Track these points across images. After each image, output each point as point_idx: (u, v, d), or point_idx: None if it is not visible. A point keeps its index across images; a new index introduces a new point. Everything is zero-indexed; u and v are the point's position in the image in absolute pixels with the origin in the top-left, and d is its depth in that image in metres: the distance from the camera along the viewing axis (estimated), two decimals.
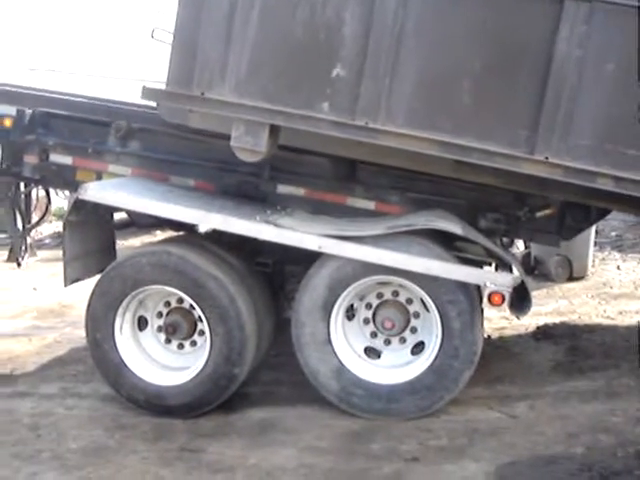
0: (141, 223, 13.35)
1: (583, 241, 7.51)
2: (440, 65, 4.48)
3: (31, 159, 5.83)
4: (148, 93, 4.88)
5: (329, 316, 4.81)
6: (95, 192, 4.96)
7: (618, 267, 8.48)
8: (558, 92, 4.27)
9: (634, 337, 5.94)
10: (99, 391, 5.66)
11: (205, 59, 4.64)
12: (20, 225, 7.21)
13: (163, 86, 4.85)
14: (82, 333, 7.03)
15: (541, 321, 6.42)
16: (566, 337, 6.02)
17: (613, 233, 9.81)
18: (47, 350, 6.83)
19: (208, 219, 4.86)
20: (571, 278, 7.72)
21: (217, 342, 4.88)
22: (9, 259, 7.36)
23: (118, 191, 5.03)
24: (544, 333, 6.14)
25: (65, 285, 5.39)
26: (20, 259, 6.79)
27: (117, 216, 12.98)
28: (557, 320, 6.30)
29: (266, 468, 4.28)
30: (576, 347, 5.81)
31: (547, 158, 4.34)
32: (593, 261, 8.34)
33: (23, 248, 6.86)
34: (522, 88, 4.38)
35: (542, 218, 5.19)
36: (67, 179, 5.86)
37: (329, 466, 4.25)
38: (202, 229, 5.32)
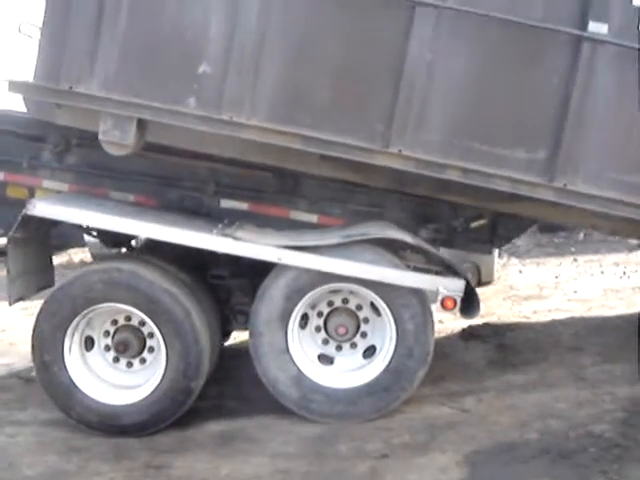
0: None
1: (488, 255, 8.00)
2: (301, 64, 4.78)
3: None
4: (15, 86, 4.90)
5: (287, 325, 4.98)
6: (44, 207, 4.91)
7: (520, 271, 9.09)
8: (410, 91, 4.67)
9: (554, 332, 6.45)
10: (38, 417, 5.56)
11: (74, 53, 4.73)
12: None
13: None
14: None
15: (463, 324, 6.80)
16: (492, 336, 6.43)
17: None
18: None
19: (164, 233, 4.90)
20: (479, 283, 8.19)
21: (173, 357, 4.93)
22: None
23: (69, 206, 5.00)
24: (471, 334, 6.53)
25: (10, 304, 5.27)
26: None
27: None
28: (479, 322, 6.69)
29: (240, 477, 4.38)
30: (504, 345, 6.24)
31: (400, 151, 4.73)
32: None
33: None
34: (378, 87, 4.76)
35: (476, 228, 5.57)
36: None
37: (304, 470, 4.40)
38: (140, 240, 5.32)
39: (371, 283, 4.92)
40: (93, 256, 11.23)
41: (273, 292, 4.95)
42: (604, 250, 9.84)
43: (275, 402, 5.15)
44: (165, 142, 5.18)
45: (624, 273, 8.63)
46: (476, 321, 6.72)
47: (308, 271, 4.90)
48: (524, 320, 7.07)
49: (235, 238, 4.89)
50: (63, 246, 13.10)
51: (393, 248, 5.14)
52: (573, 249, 10.21)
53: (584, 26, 4.60)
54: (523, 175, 4.79)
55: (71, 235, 13.27)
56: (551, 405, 4.98)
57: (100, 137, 4.85)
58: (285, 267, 4.92)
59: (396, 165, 4.80)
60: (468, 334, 6.55)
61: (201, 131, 4.84)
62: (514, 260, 9.68)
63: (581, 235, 10.82)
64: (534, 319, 7.08)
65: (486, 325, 6.69)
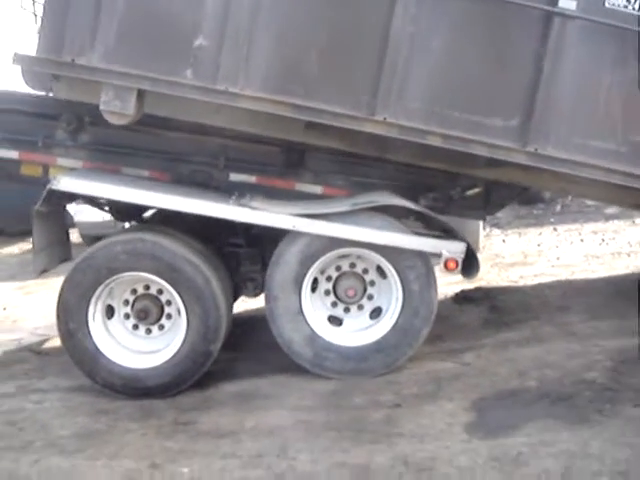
0: (11, 231, 13.23)
1: (476, 225, 8.46)
2: (292, 36, 5.17)
3: None
4: (19, 59, 5.21)
5: (300, 289, 5.40)
6: (69, 182, 5.25)
7: (503, 241, 9.61)
8: (394, 62, 5.10)
9: (541, 294, 6.96)
10: (59, 385, 5.94)
11: (75, 27, 5.07)
12: None
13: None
14: (6, 337, 7.29)
15: (455, 289, 7.28)
16: (484, 299, 6.92)
17: None
18: None
19: (185, 204, 5.27)
20: None
21: (194, 322, 5.32)
22: None
23: (92, 181, 5.34)
24: (464, 298, 7.02)
25: (35, 275, 5.60)
26: None
27: None
28: (471, 286, 7.18)
29: (266, 428, 4.79)
30: (496, 306, 6.72)
31: (385, 119, 5.16)
32: None
33: None
34: (364, 58, 5.17)
35: (471, 196, 6.02)
36: (11, 173, 6.03)
37: (323, 419, 4.83)
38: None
39: (379, 247, 5.36)
40: (82, 237, 11.54)
41: (287, 257, 5.36)
42: (582, 220, 10.40)
43: (285, 363, 5.58)
44: (162, 113, 5.52)
45: (602, 240, 9.18)
46: (468, 286, 7.23)
47: (320, 237, 5.32)
48: (512, 284, 7.58)
49: (252, 207, 5.29)
50: (21, 233, 13.40)
51: (397, 215, 5.57)
52: (552, 219, 10.76)
53: (555, 2, 5.07)
54: (499, 140, 5.25)
55: None
56: (545, 357, 5.46)
57: (101, 107, 5.18)
58: (298, 234, 5.34)
59: (381, 132, 5.23)
60: (461, 298, 7.02)
61: (195, 102, 5.22)
62: (496, 231, 10.19)
63: (558, 207, 11.38)
64: (521, 283, 7.60)
65: (478, 289, 7.17)
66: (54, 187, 5.25)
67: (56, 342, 7.03)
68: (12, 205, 12.77)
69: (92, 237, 10.33)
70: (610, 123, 5.27)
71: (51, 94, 5.81)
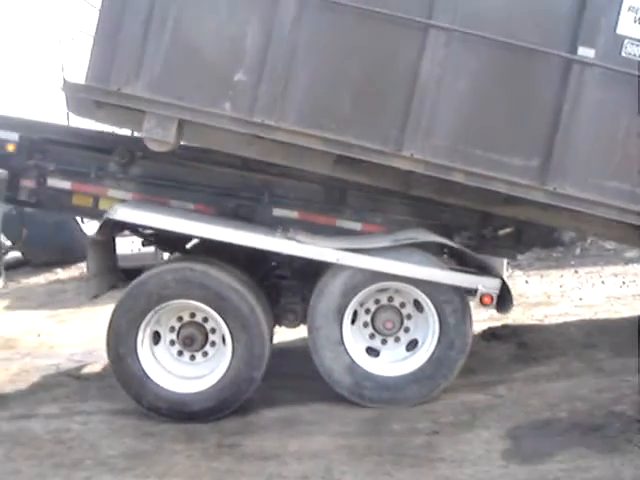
0: (37, 262, 13.63)
1: (500, 261, 8.77)
2: (326, 74, 5.59)
3: (28, 183, 6.26)
4: (68, 86, 5.65)
5: (342, 320, 5.71)
6: (125, 212, 5.61)
7: (526, 281, 9.92)
8: (422, 101, 5.50)
9: (567, 332, 7.25)
10: (102, 407, 6.22)
11: (122, 58, 5.48)
12: None
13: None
14: (44, 362, 7.59)
15: (482, 326, 7.57)
16: (511, 336, 7.20)
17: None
18: (19, 378, 7.20)
19: (236, 237, 5.61)
20: None
21: (239, 349, 5.62)
22: None
23: (147, 211, 5.69)
24: (491, 335, 7.29)
25: (88, 299, 5.92)
26: None
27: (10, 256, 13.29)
28: (498, 324, 7.48)
29: (309, 452, 5.06)
30: (523, 343, 7.00)
31: (412, 155, 5.53)
32: None
33: None
34: (393, 97, 5.57)
35: (503, 236, 6.35)
36: (63, 203, 6.37)
37: (365, 444, 5.11)
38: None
39: (417, 282, 5.68)
40: None
41: (331, 289, 5.68)
42: (602, 263, 10.71)
43: (323, 392, 5.86)
44: (199, 144, 5.94)
45: (623, 282, 9.48)
46: (494, 323, 7.52)
47: (361, 271, 5.64)
48: (538, 322, 7.87)
49: (298, 241, 5.62)
50: (77, 260, 13.79)
51: (434, 251, 5.89)
52: (572, 262, 11.07)
53: (574, 50, 5.47)
54: (519, 179, 5.61)
55: (83, 250, 14.00)
56: (574, 391, 5.74)
57: (143, 135, 5.58)
58: (341, 267, 5.66)
59: (408, 167, 5.59)
60: (489, 334, 7.30)
61: (230, 134, 5.60)
62: (518, 272, 10.51)
63: (578, 250, 11.68)
64: (547, 322, 7.89)
65: (505, 326, 7.45)
66: (111, 216, 5.59)
67: (94, 368, 7.40)
68: (38, 237, 13.22)
69: (126, 269, 10.64)
70: (626, 165, 5.63)
71: (94, 121, 6.16)
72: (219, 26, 5.52)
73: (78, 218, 13.51)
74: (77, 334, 9.01)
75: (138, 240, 7.10)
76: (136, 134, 6.37)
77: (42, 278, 13.35)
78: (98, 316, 9.72)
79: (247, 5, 5.47)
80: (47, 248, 12.80)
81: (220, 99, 5.53)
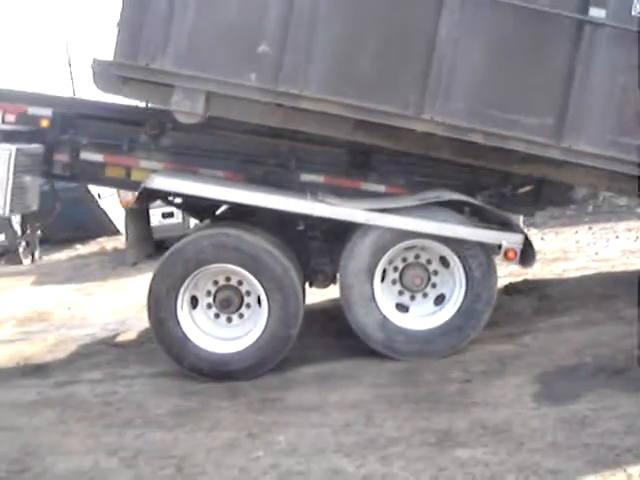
0: (56, 239, 13.95)
1: (516, 219, 9.07)
2: (346, 42, 5.81)
3: (62, 157, 6.57)
4: (97, 63, 5.89)
5: (372, 278, 6.00)
6: (162, 181, 5.89)
7: (542, 239, 10.21)
8: (440, 65, 5.74)
9: (586, 285, 7.55)
10: (143, 372, 6.54)
11: (149, 34, 5.72)
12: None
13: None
14: (79, 332, 7.92)
15: (503, 282, 7.86)
16: (532, 290, 7.49)
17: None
18: (57, 349, 7.52)
19: (268, 200, 5.89)
20: None
21: (275, 308, 5.91)
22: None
23: (183, 180, 5.97)
24: (513, 289, 7.59)
25: (130, 265, 6.20)
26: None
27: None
28: (519, 279, 7.78)
29: (349, 402, 5.37)
30: (545, 295, 7.29)
31: (432, 117, 5.79)
32: None
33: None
34: (412, 62, 5.81)
35: (523, 194, 6.62)
36: (96, 175, 6.69)
37: (402, 393, 5.43)
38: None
39: (443, 239, 5.96)
40: None
41: (361, 249, 5.96)
42: (615, 219, 10.98)
43: (354, 349, 6.18)
44: (224, 114, 6.12)
45: (637, 237, 9.76)
46: (515, 279, 7.82)
47: (390, 230, 5.93)
48: (557, 277, 8.16)
49: (329, 203, 5.90)
50: (95, 235, 14.13)
51: (457, 210, 6.16)
52: (586, 219, 11.35)
53: (585, 11, 5.70)
54: (535, 137, 5.87)
55: (101, 225, 14.37)
56: (597, 338, 6.04)
57: (172, 107, 5.83)
58: (370, 228, 5.94)
59: (428, 129, 5.85)
60: (511, 289, 7.60)
61: (252, 104, 5.86)
62: (534, 230, 10.78)
63: (590, 207, 11.95)
64: (565, 275, 8.19)
65: (525, 281, 7.75)
66: (148, 185, 5.87)
67: (129, 336, 7.73)
68: (57, 214, 13.50)
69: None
70: (638, 121, 5.86)
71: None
72: None
73: (95, 194, 13.83)
74: (107, 305, 9.34)
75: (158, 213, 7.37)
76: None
77: (63, 254, 13.68)
78: (124, 288, 10.10)
79: None
80: (66, 225, 13.08)
81: (245, 70, 5.78)
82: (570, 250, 9.51)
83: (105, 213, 14.34)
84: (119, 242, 13.92)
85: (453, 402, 5.19)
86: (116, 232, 14.37)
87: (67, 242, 14.13)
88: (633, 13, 5.71)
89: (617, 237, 9.93)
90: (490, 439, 4.58)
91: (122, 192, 12.12)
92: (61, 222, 13.72)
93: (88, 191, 13.56)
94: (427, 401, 5.26)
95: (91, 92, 7.04)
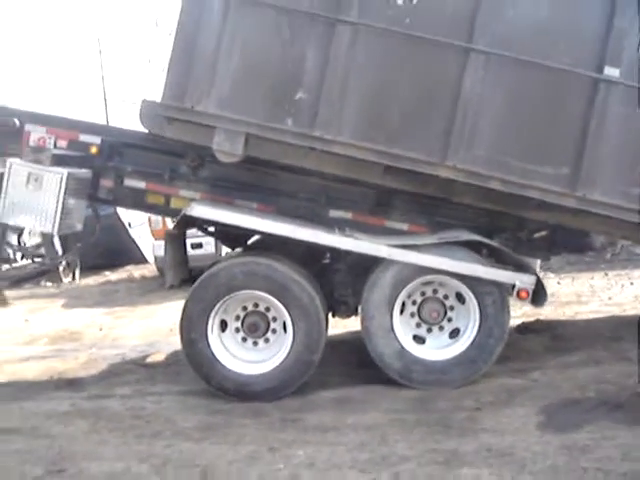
0: (87, 265, 14.53)
1: (533, 263, 9.47)
2: (377, 92, 6.37)
3: (107, 183, 7.15)
4: (146, 104, 6.49)
5: (392, 310, 6.45)
6: (201, 209, 6.42)
7: (558, 283, 10.63)
8: (463, 116, 6.27)
9: (597, 327, 7.96)
10: (171, 390, 7.01)
11: (196, 79, 6.29)
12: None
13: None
14: (110, 352, 8.40)
15: (516, 322, 8.29)
16: (544, 330, 7.91)
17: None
18: (88, 366, 8.03)
19: (298, 233, 6.38)
20: None
21: (299, 335, 6.38)
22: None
23: (221, 209, 6.50)
24: (526, 328, 8.01)
25: (167, 287, 6.72)
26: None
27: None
28: (532, 319, 8.20)
29: (364, 425, 5.79)
30: (556, 335, 7.71)
31: (455, 165, 6.30)
32: None
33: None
34: (438, 112, 6.34)
35: (538, 238, 7.07)
36: (138, 201, 7.25)
37: (415, 418, 5.84)
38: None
39: (460, 276, 6.41)
40: (159, 269, 12.74)
41: (382, 282, 6.43)
42: (631, 266, 11.38)
43: (372, 377, 6.60)
44: (262, 156, 6.61)
45: None
46: (529, 319, 8.24)
47: (410, 265, 6.39)
48: (569, 318, 8.57)
49: (355, 238, 6.39)
50: (123, 263, 14.70)
51: (475, 250, 6.62)
52: (603, 266, 11.75)
53: (600, 70, 6.23)
54: (551, 186, 6.35)
55: (130, 254, 14.95)
56: (602, 376, 6.42)
57: (214, 147, 6.38)
58: (391, 262, 6.41)
59: (451, 176, 6.35)
60: (524, 328, 8.02)
61: (289, 146, 6.38)
62: (550, 275, 11.20)
63: (608, 255, 12.35)
64: (577, 318, 8.59)
65: (538, 321, 8.17)
66: (188, 213, 6.39)
67: (157, 357, 8.21)
68: (85, 245, 14.10)
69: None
70: None
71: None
72: (282, 49, 6.29)
73: (126, 223, 14.42)
74: (136, 328, 9.86)
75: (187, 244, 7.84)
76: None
77: (92, 280, 14.25)
78: (152, 314, 10.63)
79: (307, 30, 6.24)
80: (96, 251, 13.65)
81: (283, 115, 6.33)
82: (584, 294, 9.91)
83: (134, 242, 14.94)
84: (147, 270, 14.52)
85: (463, 427, 5.59)
86: (144, 261, 14.96)
87: (96, 268, 14.72)
88: None
89: (632, 283, 10.32)
90: (495, 461, 4.98)
91: (153, 222, 12.89)
92: (92, 249, 14.38)
93: (119, 219, 14.15)
94: (438, 425, 5.67)
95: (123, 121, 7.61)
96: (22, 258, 14.88)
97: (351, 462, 5.12)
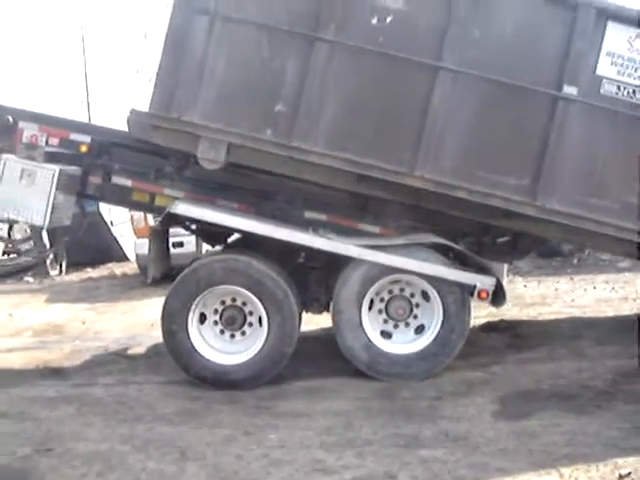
0: (70, 262, 14.92)
1: (501, 266, 9.97)
2: (351, 106, 6.90)
3: (95, 180, 7.61)
4: (135, 113, 7.01)
5: (361, 306, 6.95)
6: (185, 208, 6.91)
7: (525, 286, 11.16)
8: (431, 130, 6.80)
9: (557, 327, 8.52)
10: (152, 379, 7.47)
11: (182, 91, 6.80)
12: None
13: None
14: (92, 344, 8.86)
15: (481, 321, 8.82)
16: (507, 329, 8.43)
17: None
18: (72, 357, 8.46)
19: (275, 232, 6.87)
20: None
21: (274, 328, 6.86)
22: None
23: (203, 208, 6.97)
24: (490, 327, 8.54)
25: (148, 282, 7.20)
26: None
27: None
28: (496, 319, 8.73)
29: (333, 411, 6.28)
30: (518, 334, 8.24)
31: (423, 175, 6.83)
32: None
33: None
34: (407, 126, 6.89)
35: (501, 243, 7.60)
36: (124, 198, 7.75)
37: (379, 406, 6.35)
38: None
39: (425, 276, 6.92)
40: (140, 267, 13.17)
41: (352, 280, 6.92)
42: (596, 271, 11.95)
43: (341, 370, 7.10)
44: (243, 162, 7.07)
45: (613, 288, 10.70)
46: (493, 318, 8.77)
47: (378, 265, 6.89)
48: (532, 319, 9.12)
49: (328, 238, 6.89)
50: (105, 261, 15.11)
51: (441, 253, 7.13)
52: (569, 270, 12.33)
53: (560, 88, 6.76)
54: (512, 195, 6.88)
55: (111, 251, 15.35)
56: (558, 371, 6.96)
57: (198, 155, 6.87)
58: (361, 261, 6.91)
59: (419, 185, 6.86)
60: (488, 327, 8.55)
61: (269, 154, 6.85)
62: (518, 278, 11.73)
63: (575, 260, 12.94)
64: (540, 318, 9.15)
65: (502, 321, 8.69)
66: (172, 210, 6.87)
67: (138, 350, 8.67)
68: (72, 240, 14.51)
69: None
70: (604, 184, 6.90)
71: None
72: (262, 64, 6.80)
73: (108, 221, 14.84)
74: (118, 323, 10.31)
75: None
76: None
77: (74, 276, 14.67)
78: (134, 309, 11.09)
79: (287, 47, 6.76)
80: (78, 249, 14.03)
81: (263, 126, 6.84)
82: (549, 297, 10.45)
83: (116, 240, 15.36)
84: (127, 268, 14.94)
85: (423, 415, 6.10)
86: (125, 258, 15.38)
87: (78, 265, 15.12)
88: (601, 92, 6.77)
89: (594, 287, 10.86)
90: (450, 444, 5.48)
91: (135, 220, 13.33)
92: (74, 246, 14.80)
93: (102, 217, 14.55)
94: (401, 413, 6.18)
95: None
96: (3, 254, 15.27)
97: (319, 444, 5.60)
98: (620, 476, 4.81)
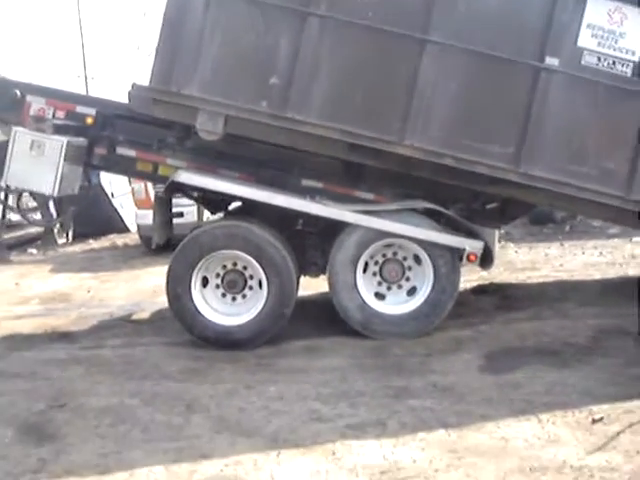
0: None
1: (492, 232, 10.40)
2: (342, 78, 7.25)
3: (101, 151, 8.00)
4: (137, 88, 7.39)
5: (355, 268, 7.37)
6: (188, 176, 7.32)
7: (516, 252, 11.59)
8: (420, 101, 7.15)
9: (545, 289, 8.96)
10: (157, 341, 7.89)
11: (181, 66, 7.16)
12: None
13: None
14: (98, 310, 9.28)
15: (473, 283, 9.26)
16: (496, 292, 8.88)
17: (503, 230, 12.96)
18: (79, 322, 8.90)
19: (274, 199, 7.28)
20: None
21: (273, 290, 7.27)
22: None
23: (206, 177, 7.38)
24: (479, 290, 8.98)
25: (153, 247, 7.63)
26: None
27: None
28: (486, 282, 9.18)
29: (330, 367, 6.71)
30: (506, 296, 8.68)
31: (412, 143, 7.19)
32: None
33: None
34: (397, 96, 7.23)
35: (490, 209, 8.00)
36: (128, 168, 8.18)
37: (373, 362, 6.78)
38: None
39: (417, 240, 7.34)
40: (141, 237, 13.60)
41: (347, 243, 7.34)
42: (586, 237, 12.37)
43: (337, 330, 7.53)
44: (240, 133, 7.43)
45: (601, 253, 11.12)
46: (483, 282, 9.21)
47: (373, 229, 7.31)
48: (521, 282, 9.57)
49: (324, 204, 7.31)
50: (106, 232, 15.53)
51: (433, 218, 7.54)
52: (560, 237, 12.76)
53: (542, 59, 7.10)
54: (497, 163, 7.25)
55: (112, 222, 15.76)
56: (542, 329, 7.41)
57: (197, 127, 7.24)
58: (356, 226, 7.32)
59: (408, 153, 7.23)
60: (478, 290, 8.99)
61: (264, 125, 7.22)
62: (510, 244, 12.17)
63: (567, 227, 13.37)
64: (529, 282, 9.59)
65: (491, 284, 9.14)
66: (176, 179, 7.27)
67: (142, 315, 9.10)
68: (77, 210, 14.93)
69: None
70: (584, 152, 7.28)
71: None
72: (257, 39, 7.15)
73: (109, 193, 15.24)
74: (122, 291, 10.74)
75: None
76: None
77: (77, 248, 15.10)
78: (136, 278, 11.52)
79: (280, 22, 7.12)
80: (80, 221, 14.42)
81: (258, 98, 7.21)
82: (538, 262, 10.88)
83: (117, 211, 15.77)
84: (129, 239, 15.37)
85: (413, 369, 6.54)
86: (126, 230, 15.80)
87: (80, 237, 15.54)
88: (582, 63, 7.12)
89: (583, 252, 11.27)
90: (438, 394, 5.93)
91: (136, 192, 13.73)
92: (76, 218, 15.20)
93: (102, 189, 14.94)
94: (392, 368, 6.61)
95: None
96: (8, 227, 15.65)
97: (315, 396, 6.04)
98: (593, 420, 5.25)
